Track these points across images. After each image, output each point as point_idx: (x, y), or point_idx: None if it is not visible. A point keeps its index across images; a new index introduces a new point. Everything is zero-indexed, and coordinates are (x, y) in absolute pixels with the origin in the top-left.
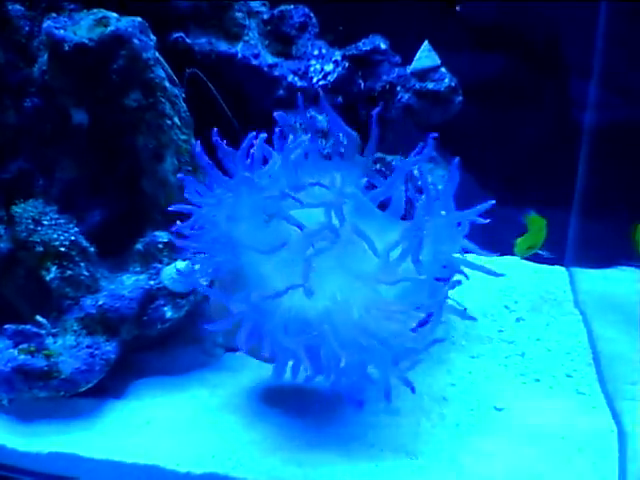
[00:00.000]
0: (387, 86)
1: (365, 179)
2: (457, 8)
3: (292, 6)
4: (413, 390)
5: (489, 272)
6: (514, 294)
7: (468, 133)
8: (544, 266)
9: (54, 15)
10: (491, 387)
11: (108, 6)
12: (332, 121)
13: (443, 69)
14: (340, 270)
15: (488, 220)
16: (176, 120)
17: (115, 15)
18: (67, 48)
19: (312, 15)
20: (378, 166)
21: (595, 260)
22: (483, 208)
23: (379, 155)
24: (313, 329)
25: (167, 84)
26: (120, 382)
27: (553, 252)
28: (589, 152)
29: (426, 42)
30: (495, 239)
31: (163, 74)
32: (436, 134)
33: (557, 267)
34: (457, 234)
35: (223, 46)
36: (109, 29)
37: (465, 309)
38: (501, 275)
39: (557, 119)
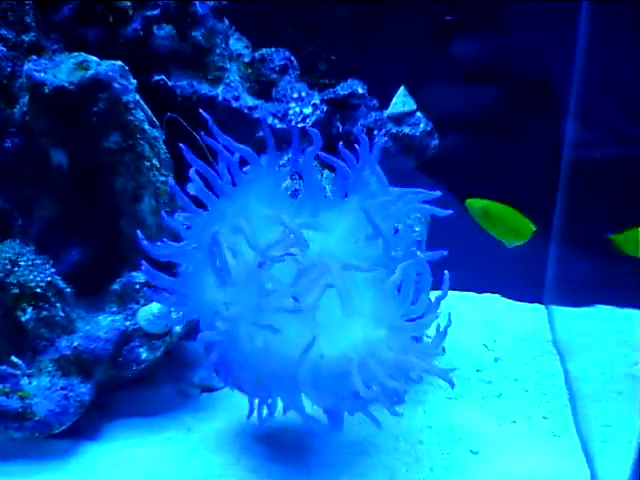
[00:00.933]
0: (364, 130)
1: None
2: (448, 18)
3: (273, 49)
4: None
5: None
6: (493, 332)
7: (457, 164)
8: (524, 304)
9: (34, 57)
10: (467, 429)
11: (90, 47)
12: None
13: (419, 114)
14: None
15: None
16: (155, 162)
17: (95, 59)
18: (47, 91)
19: (293, 58)
20: None
21: (574, 298)
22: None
23: None
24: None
25: (146, 126)
26: (94, 423)
27: (531, 289)
28: (569, 188)
29: (402, 87)
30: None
31: (143, 116)
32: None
33: (536, 305)
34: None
35: (204, 88)
36: (89, 73)
37: (443, 348)
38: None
39: (542, 154)
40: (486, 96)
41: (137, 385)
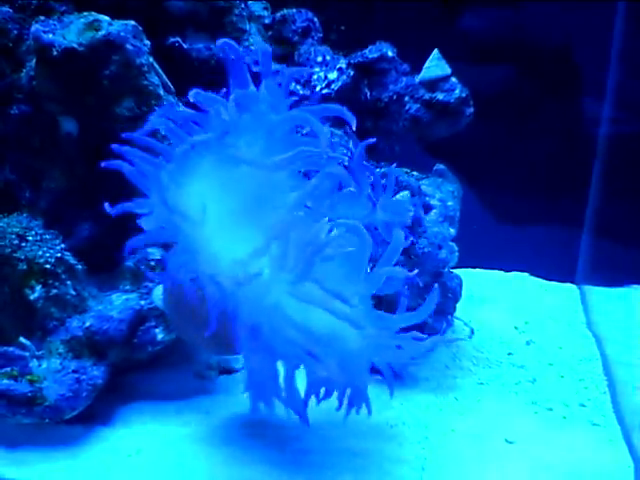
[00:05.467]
0: (394, 96)
1: None
2: None
3: (295, 10)
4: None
5: None
6: (524, 313)
7: (474, 150)
8: (554, 283)
9: (43, 18)
10: (501, 417)
11: (101, 8)
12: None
13: (454, 79)
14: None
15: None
16: None
17: (107, 18)
18: (55, 53)
19: (316, 20)
20: (384, 182)
21: (607, 279)
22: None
23: (385, 170)
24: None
25: (162, 91)
26: (108, 407)
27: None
28: (602, 168)
29: (436, 50)
30: (505, 255)
31: (157, 81)
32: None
33: (568, 284)
34: None
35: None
36: (100, 33)
37: (472, 330)
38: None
39: (567, 134)
40: (499, 74)
41: (152, 367)
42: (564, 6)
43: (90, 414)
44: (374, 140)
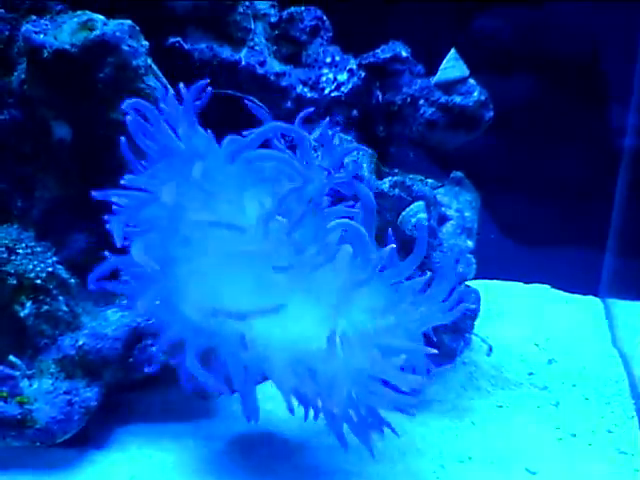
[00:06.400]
0: (408, 99)
1: None
2: None
3: (303, 7)
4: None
5: None
6: (545, 329)
7: (493, 158)
8: (577, 296)
9: (34, 18)
10: (523, 444)
11: (97, 7)
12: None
13: (472, 80)
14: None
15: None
16: None
17: (102, 18)
18: (47, 55)
19: (325, 18)
20: (397, 191)
21: (633, 292)
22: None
23: (398, 178)
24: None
25: (159, 95)
26: (103, 429)
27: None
28: (628, 178)
29: (453, 50)
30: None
31: (155, 84)
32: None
33: (591, 297)
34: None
35: (225, 52)
36: (94, 34)
37: (490, 347)
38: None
39: (592, 145)
40: (518, 82)
41: (151, 385)
42: (590, 7)
43: (84, 436)
44: None
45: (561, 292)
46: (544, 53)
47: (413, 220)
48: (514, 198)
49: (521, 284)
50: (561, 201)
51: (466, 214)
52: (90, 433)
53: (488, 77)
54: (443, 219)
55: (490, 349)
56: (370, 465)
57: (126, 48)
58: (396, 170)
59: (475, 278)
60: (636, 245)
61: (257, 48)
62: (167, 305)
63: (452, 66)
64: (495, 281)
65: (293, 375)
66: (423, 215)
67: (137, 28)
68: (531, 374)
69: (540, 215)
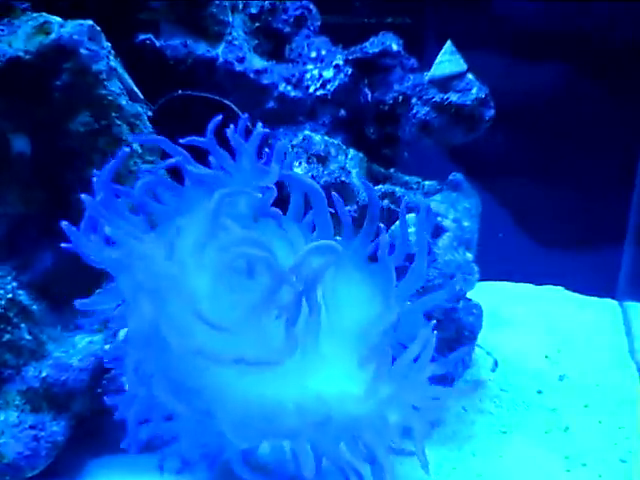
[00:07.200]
0: (400, 98)
1: None
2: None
3: None
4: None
5: None
6: (557, 338)
7: (506, 162)
8: (593, 299)
9: None
10: (528, 477)
11: (65, 3)
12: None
13: (470, 76)
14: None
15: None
16: (136, 146)
17: (59, 20)
18: (0, 64)
19: (312, 7)
20: (386, 202)
21: None
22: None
23: (387, 188)
24: None
25: (124, 102)
26: (74, 460)
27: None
28: None
29: (449, 42)
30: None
31: (120, 89)
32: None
33: (608, 300)
34: None
35: (201, 48)
36: (50, 38)
37: (496, 361)
38: None
39: (620, 143)
40: (545, 72)
41: None
42: None
43: (54, 469)
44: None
45: (576, 294)
46: (578, 38)
47: None
48: (527, 192)
49: (532, 286)
50: (579, 197)
51: (465, 224)
52: (61, 464)
53: (511, 66)
54: (438, 231)
55: (495, 364)
56: None
57: (85, 52)
58: (392, 170)
59: (482, 279)
60: None
61: (236, 43)
62: None
63: (448, 60)
64: (504, 283)
65: None
66: (412, 230)
67: (98, 28)
68: (540, 392)
69: (555, 211)
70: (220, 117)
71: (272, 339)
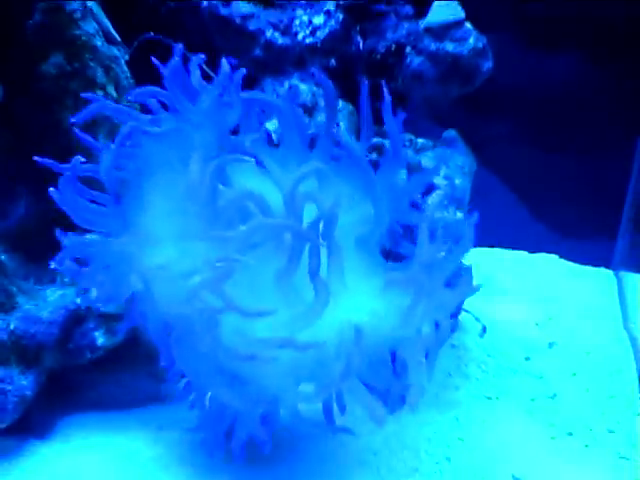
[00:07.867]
0: (393, 47)
1: None
2: None
3: None
4: None
5: None
6: (549, 306)
7: (520, 149)
8: (587, 268)
9: None
10: (510, 444)
11: None
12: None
13: (468, 24)
14: None
15: None
16: (110, 90)
17: None
18: None
19: None
20: (375, 155)
21: None
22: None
23: (377, 141)
24: None
25: (99, 43)
26: (46, 417)
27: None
28: None
29: None
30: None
31: (94, 29)
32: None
33: (603, 270)
34: None
35: None
36: None
37: (484, 327)
38: None
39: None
40: (564, 61)
41: (101, 367)
42: None
43: (26, 424)
44: None
45: (570, 263)
46: (597, 27)
47: None
48: (524, 159)
49: (525, 253)
50: (577, 165)
51: (456, 181)
52: (32, 421)
53: (529, 54)
54: (428, 188)
55: (484, 329)
56: (338, 467)
57: None
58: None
59: (475, 245)
60: None
61: None
62: None
63: (445, 6)
64: (497, 249)
65: None
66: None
67: None
68: (528, 359)
69: (553, 179)
70: (178, 60)
71: (304, 295)
